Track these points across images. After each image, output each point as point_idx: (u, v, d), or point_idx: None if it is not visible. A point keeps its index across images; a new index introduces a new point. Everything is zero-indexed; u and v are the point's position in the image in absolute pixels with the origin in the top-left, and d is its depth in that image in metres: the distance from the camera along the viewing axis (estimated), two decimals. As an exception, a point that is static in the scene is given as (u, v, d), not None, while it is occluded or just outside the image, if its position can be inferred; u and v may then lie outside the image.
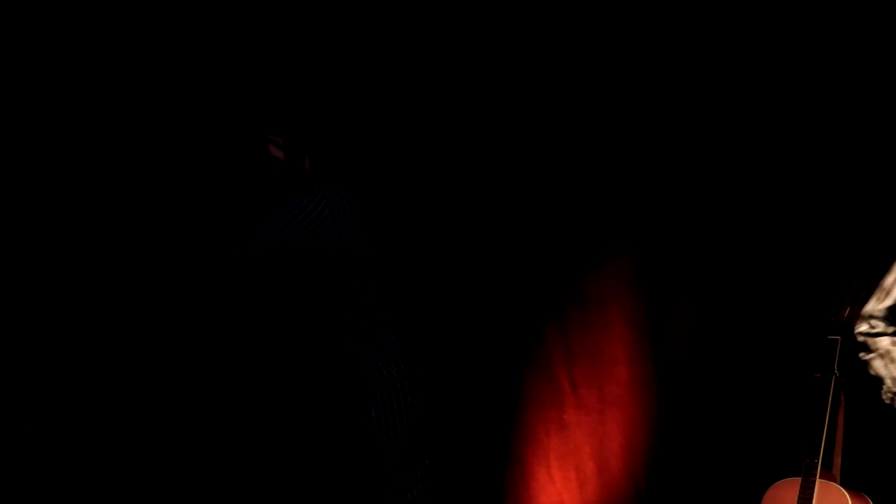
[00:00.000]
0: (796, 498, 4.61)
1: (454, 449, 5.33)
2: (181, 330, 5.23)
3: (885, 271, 4.41)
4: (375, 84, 5.49)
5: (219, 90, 5.34)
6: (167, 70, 5.34)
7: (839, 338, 4.76)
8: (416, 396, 4.55)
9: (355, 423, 4.48)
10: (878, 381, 4.36)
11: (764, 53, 5.33)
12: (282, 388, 5.19)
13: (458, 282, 5.51)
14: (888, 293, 4.39)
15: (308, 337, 4.67)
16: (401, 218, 5.46)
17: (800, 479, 4.63)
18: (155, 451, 5.23)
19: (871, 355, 4.39)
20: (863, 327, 4.43)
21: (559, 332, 5.53)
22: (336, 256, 4.47)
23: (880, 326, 4.40)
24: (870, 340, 4.41)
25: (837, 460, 4.76)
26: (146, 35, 5.34)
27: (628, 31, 5.45)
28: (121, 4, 5.30)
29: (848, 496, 4.61)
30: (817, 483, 4.60)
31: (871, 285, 4.62)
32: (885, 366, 4.35)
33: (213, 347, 5.28)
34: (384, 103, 5.50)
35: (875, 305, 4.41)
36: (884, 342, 4.38)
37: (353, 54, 5.47)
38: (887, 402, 4.34)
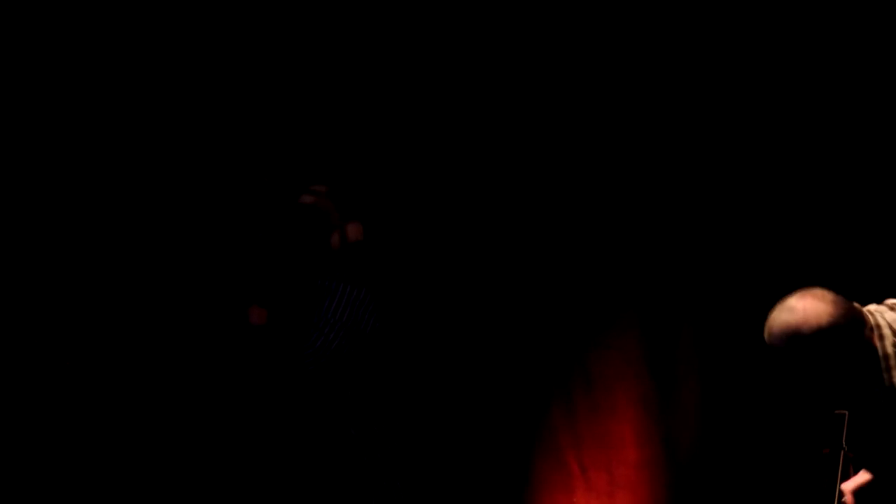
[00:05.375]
0: (809, 574, 4.59)
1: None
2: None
3: None
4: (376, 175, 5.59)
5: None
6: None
7: (846, 412, 4.75)
8: (412, 482, 4.55)
9: None
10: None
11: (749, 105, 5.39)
12: (285, 469, 5.19)
13: (465, 367, 5.53)
14: None
15: (312, 421, 4.68)
16: (408, 299, 5.49)
17: (812, 554, 4.61)
18: None
19: None
20: None
21: (567, 415, 5.53)
22: (363, 347, 4.51)
23: None
24: None
25: (849, 535, 4.74)
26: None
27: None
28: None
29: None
30: (829, 559, 4.59)
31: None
32: None
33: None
34: (381, 192, 5.59)
35: None
36: None
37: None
38: None
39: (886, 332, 3.58)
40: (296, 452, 4.89)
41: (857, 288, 4.86)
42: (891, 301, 3.71)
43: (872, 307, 3.67)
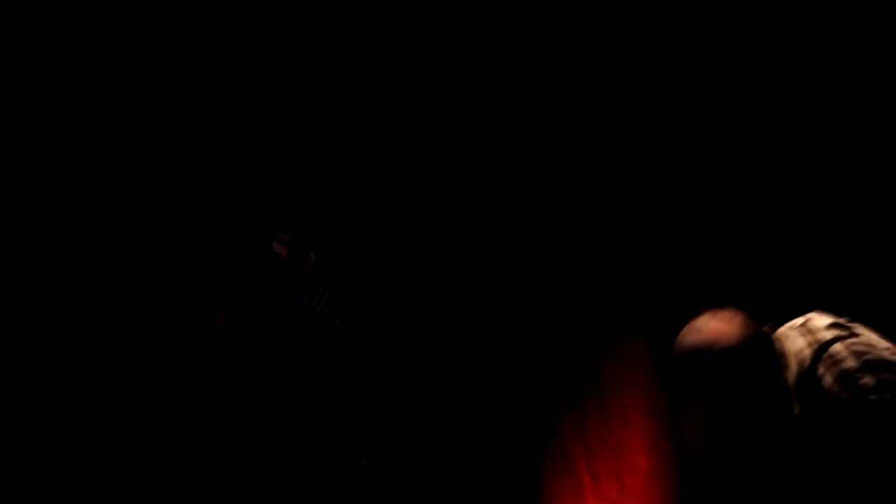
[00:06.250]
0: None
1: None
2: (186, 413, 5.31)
3: None
4: (380, 181, 5.58)
5: (226, 183, 5.44)
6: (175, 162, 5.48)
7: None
8: (414, 488, 4.54)
9: None
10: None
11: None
12: (281, 476, 5.20)
13: (473, 375, 5.53)
14: None
15: (307, 428, 4.68)
16: (409, 311, 5.49)
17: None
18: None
19: None
20: None
21: (577, 424, 5.51)
22: (338, 351, 4.49)
23: None
24: None
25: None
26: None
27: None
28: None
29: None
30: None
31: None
32: None
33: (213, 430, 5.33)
34: (388, 196, 5.58)
35: None
36: None
37: (359, 150, 5.57)
38: None
39: (791, 361, 3.52)
40: (291, 458, 4.90)
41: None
42: (812, 321, 3.61)
43: (785, 330, 3.60)
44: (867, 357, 3.44)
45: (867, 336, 3.55)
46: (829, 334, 3.52)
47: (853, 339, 3.50)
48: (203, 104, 5.52)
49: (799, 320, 3.61)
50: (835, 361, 3.46)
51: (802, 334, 3.55)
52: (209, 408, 5.24)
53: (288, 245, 4.61)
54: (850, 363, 3.44)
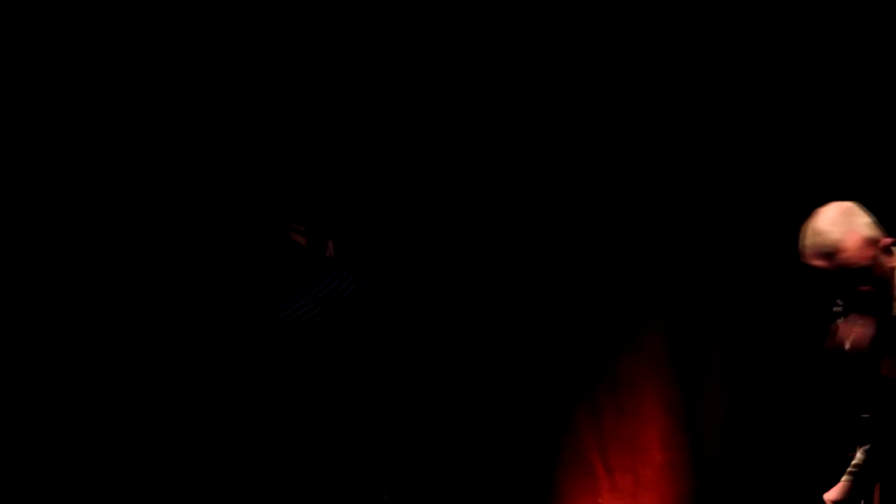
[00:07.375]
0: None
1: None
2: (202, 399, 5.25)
3: None
4: (399, 170, 5.46)
5: (244, 174, 5.33)
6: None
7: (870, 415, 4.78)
8: (429, 482, 4.53)
9: None
10: None
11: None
12: (296, 464, 5.17)
13: (489, 368, 5.50)
14: None
15: (324, 413, 4.64)
16: (424, 302, 5.42)
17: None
18: None
19: None
20: None
21: (592, 417, 5.54)
22: (358, 336, 4.44)
23: None
24: None
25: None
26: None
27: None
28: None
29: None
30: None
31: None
32: None
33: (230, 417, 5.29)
34: (407, 187, 5.46)
35: None
36: None
37: (379, 141, 5.43)
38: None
39: None
40: (304, 445, 4.85)
41: None
42: None
43: None
44: None
45: None
46: None
47: None
48: (221, 98, 5.35)
49: None
50: None
51: None
52: (224, 391, 5.19)
53: (305, 234, 4.56)
54: None
